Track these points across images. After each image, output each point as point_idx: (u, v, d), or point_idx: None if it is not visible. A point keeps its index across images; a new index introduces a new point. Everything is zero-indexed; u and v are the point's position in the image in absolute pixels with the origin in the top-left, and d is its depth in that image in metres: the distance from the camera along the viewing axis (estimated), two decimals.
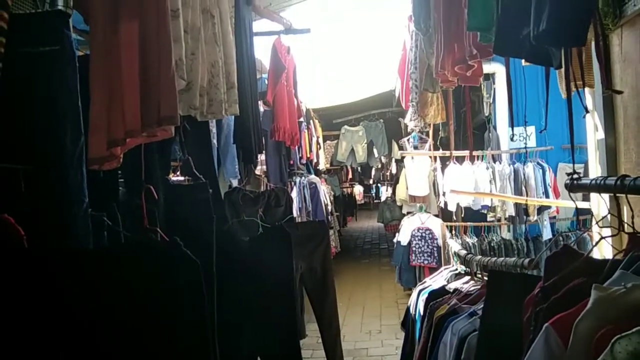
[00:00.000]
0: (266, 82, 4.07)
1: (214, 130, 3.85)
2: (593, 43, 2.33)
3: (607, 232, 1.44)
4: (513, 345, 1.30)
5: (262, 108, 4.45)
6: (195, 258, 1.57)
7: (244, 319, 2.66)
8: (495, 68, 5.88)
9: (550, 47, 1.42)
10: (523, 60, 4.16)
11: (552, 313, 1.09)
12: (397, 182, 8.43)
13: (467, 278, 2.82)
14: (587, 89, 2.91)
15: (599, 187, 1.31)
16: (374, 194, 21.76)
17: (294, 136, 4.05)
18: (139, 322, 1.41)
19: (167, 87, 1.52)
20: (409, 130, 6.86)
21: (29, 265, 1.35)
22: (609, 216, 1.48)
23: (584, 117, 1.74)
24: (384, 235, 12.90)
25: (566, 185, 1.47)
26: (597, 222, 1.37)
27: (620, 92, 2.04)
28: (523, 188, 5.51)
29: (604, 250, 1.89)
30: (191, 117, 2.25)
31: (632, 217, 1.22)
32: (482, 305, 1.95)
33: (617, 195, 1.30)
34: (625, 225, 1.27)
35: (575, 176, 1.42)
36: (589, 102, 3.07)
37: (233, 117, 3.03)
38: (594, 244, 1.36)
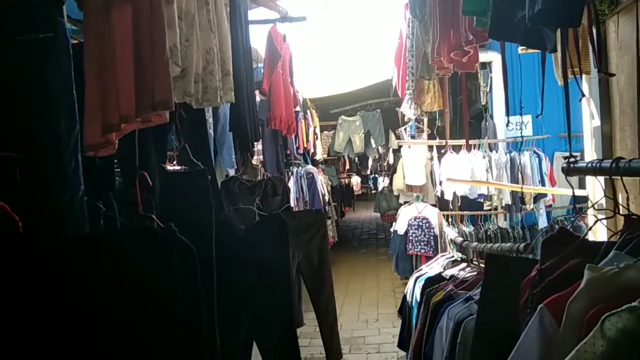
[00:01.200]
0: (262, 71, 4.06)
1: (210, 120, 3.84)
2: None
3: (602, 216, 1.45)
4: (510, 328, 1.30)
5: (258, 98, 4.44)
6: (191, 244, 1.57)
7: (241, 307, 2.67)
8: (492, 57, 5.87)
9: (546, 27, 1.42)
10: (520, 48, 4.16)
11: (547, 294, 1.10)
12: (394, 172, 8.43)
13: (463, 265, 2.84)
14: (583, 77, 2.91)
15: (594, 170, 1.32)
16: (371, 185, 21.77)
17: (291, 125, 4.04)
18: (132, 308, 1.41)
19: (161, 72, 1.52)
20: (406, 119, 6.85)
21: (23, 251, 1.35)
22: (604, 201, 1.49)
23: (580, 100, 1.74)
24: (381, 226, 12.94)
25: (563, 169, 1.47)
26: (592, 205, 1.37)
27: (612, 75, 2.04)
28: (519, 177, 5.52)
29: (600, 234, 1.90)
30: (187, 104, 2.24)
31: (627, 199, 1.22)
32: (478, 291, 1.96)
33: (613, 178, 1.31)
34: (621, 208, 1.28)
35: (572, 160, 1.43)
36: (585, 89, 3.07)
37: (229, 107, 3.02)
38: (589, 226, 1.36)
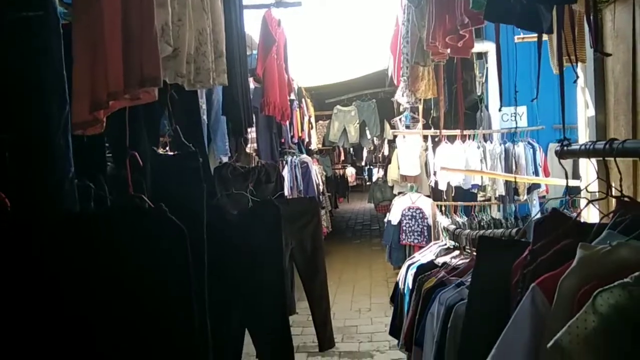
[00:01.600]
0: (256, 58, 4.01)
1: (204, 106, 3.80)
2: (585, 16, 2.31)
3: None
4: (502, 310, 1.29)
5: (252, 85, 4.40)
6: (182, 224, 1.56)
7: (233, 293, 2.65)
8: (488, 47, 5.85)
9: (542, 5, 1.40)
10: (516, 37, 4.12)
11: (538, 274, 1.09)
12: (389, 162, 8.42)
13: (456, 252, 2.84)
14: (579, 65, 2.91)
15: (588, 152, 1.31)
16: (366, 177, 21.77)
17: (285, 111, 4.01)
18: (122, 288, 1.40)
19: (150, 48, 1.49)
20: (401, 109, 6.83)
21: (11, 228, 1.33)
22: (597, 185, 1.48)
23: (575, 82, 1.73)
24: (375, 217, 12.96)
25: (556, 152, 1.46)
26: (585, 187, 1.36)
27: (608, 55, 2.04)
28: (513, 167, 5.53)
29: (592, 219, 1.89)
30: (179, 86, 2.21)
31: (620, 180, 1.21)
32: (470, 277, 1.95)
33: (606, 160, 1.30)
34: (613, 190, 1.27)
35: (565, 142, 1.42)
36: (580, 79, 3.07)
37: (222, 90, 2.99)
38: (582, 207, 1.35)
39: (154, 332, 1.47)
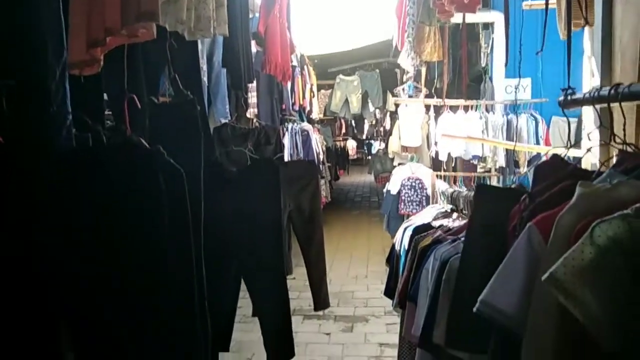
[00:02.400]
0: (258, 20, 3.94)
1: (204, 67, 3.74)
2: None
3: (596, 150, 1.42)
4: (498, 257, 1.29)
5: (254, 48, 4.33)
6: (180, 167, 1.55)
7: (230, 248, 2.66)
8: (495, 17, 5.75)
9: None
10: (524, 4, 4.05)
11: (536, 214, 1.08)
12: (390, 134, 8.38)
13: (454, 215, 2.83)
14: (587, 34, 2.87)
15: (592, 99, 1.28)
16: (367, 150, 21.71)
17: (286, 71, 3.94)
18: (119, 223, 1.40)
19: None
20: (404, 79, 6.74)
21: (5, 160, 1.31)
22: (598, 136, 1.46)
23: (583, 28, 1.70)
24: (375, 189, 12.98)
25: (559, 102, 1.44)
26: (587, 135, 1.34)
27: None
28: (515, 139, 5.49)
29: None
30: (179, 38, 2.17)
31: (624, 124, 1.19)
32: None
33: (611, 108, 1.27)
34: (616, 138, 1.25)
35: (569, 91, 1.39)
36: (587, 47, 3.03)
37: (223, 44, 2.94)
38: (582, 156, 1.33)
39: (150, 271, 1.47)
